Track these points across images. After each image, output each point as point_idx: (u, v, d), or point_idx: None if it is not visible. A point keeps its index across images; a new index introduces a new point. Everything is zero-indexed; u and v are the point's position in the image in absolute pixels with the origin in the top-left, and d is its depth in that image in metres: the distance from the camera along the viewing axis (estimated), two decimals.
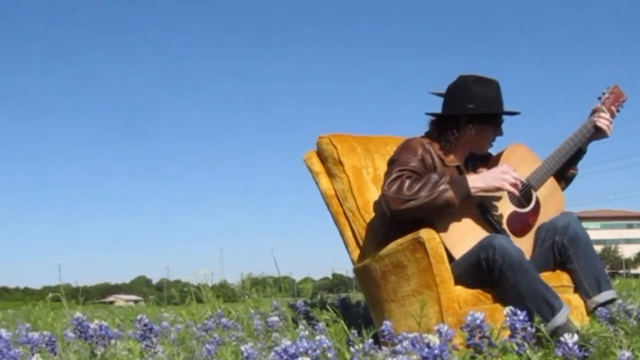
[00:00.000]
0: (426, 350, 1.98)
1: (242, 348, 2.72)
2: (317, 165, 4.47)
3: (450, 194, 3.68)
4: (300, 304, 5.04)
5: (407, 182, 3.74)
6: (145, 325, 3.05)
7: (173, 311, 6.33)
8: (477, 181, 3.77)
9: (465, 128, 4.01)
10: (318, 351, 1.99)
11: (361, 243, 4.29)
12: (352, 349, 2.56)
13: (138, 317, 3.03)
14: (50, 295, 6.10)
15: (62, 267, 5.53)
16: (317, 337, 2.12)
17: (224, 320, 4.56)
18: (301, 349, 1.98)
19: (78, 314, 3.03)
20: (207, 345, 3.50)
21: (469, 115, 3.98)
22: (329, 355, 2.10)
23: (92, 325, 3.05)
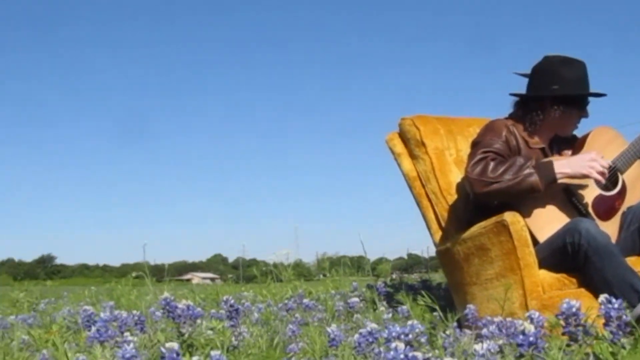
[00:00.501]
0: (521, 337, 1.96)
1: (329, 330, 2.73)
2: (399, 147, 4.46)
3: (535, 178, 3.63)
4: (380, 285, 5.04)
5: (492, 164, 3.70)
6: (231, 306, 3.08)
7: (253, 290, 6.39)
8: (564, 167, 3.70)
9: (550, 110, 3.94)
10: (411, 336, 1.98)
11: (443, 225, 4.27)
12: (442, 335, 2.55)
13: (224, 298, 3.08)
14: (134, 273, 6.22)
15: (144, 245, 5.61)
16: (409, 322, 2.11)
17: (305, 300, 4.59)
18: (394, 334, 1.98)
19: (166, 294, 3.08)
20: (291, 326, 3.53)
21: (554, 97, 3.91)
22: (422, 340, 2.09)
23: (179, 306, 3.10)
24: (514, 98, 4.14)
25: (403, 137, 4.45)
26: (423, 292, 3.88)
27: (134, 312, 3.25)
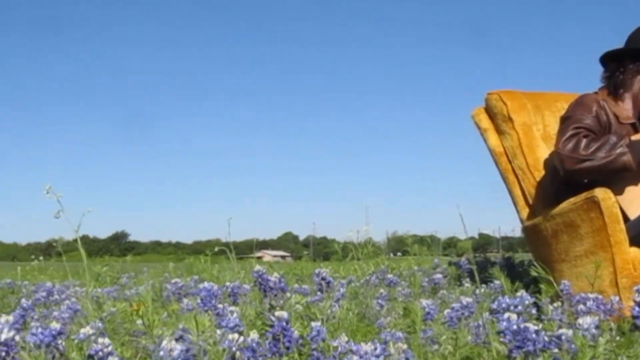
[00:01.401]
0: (636, 309, 1.94)
1: (424, 303, 2.74)
2: (486, 122, 4.42)
3: (628, 157, 3.57)
4: (464, 262, 5.02)
5: (584, 141, 3.65)
6: (323, 279, 3.10)
7: (332, 267, 6.42)
8: None
9: (631, 71, 3.91)
10: (520, 307, 1.98)
11: (530, 201, 4.22)
12: (551, 307, 2.54)
13: (316, 271, 3.09)
14: (216, 248, 6.30)
15: (229, 220, 5.66)
16: (519, 293, 2.10)
17: (389, 276, 4.60)
18: (504, 305, 1.98)
19: (258, 267, 3.11)
20: (379, 301, 3.55)
21: (632, 54, 3.91)
22: (532, 312, 2.08)
23: (271, 278, 3.13)
24: (603, 75, 4.08)
25: (489, 112, 4.41)
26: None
27: (227, 284, 3.29)
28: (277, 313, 1.97)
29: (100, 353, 1.91)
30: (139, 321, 3.69)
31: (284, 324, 1.95)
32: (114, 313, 4.10)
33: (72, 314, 3.83)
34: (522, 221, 4.27)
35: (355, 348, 1.75)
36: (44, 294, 5.21)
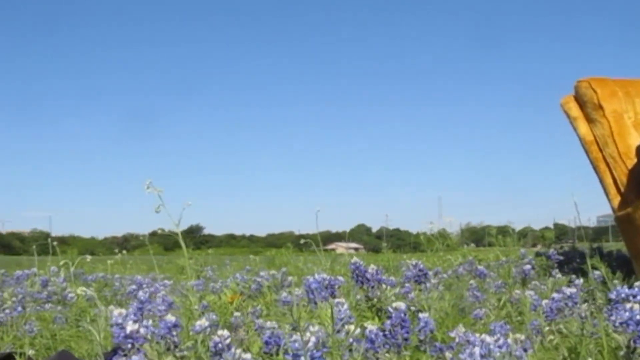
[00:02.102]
0: None
1: (528, 293, 2.73)
2: (575, 110, 4.37)
3: None
4: (552, 252, 4.97)
5: None
6: (420, 270, 3.11)
7: (415, 258, 6.42)
8: None
9: None
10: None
11: (622, 190, 4.16)
12: None
13: (413, 262, 3.10)
14: (302, 241, 6.34)
15: (317, 212, 5.71)
16: (637, 284, 2.08)
17: (480, 267, 4.58)
18: (623, 295, 1.96)
19: (355, 259, 3.14)
20: (475, 292, 3.54)
21: None
22: None
23: (369, 270, 3.15)
24: None
25: (579, 100, 4.36)
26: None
27: (324, 276, 3.31)
28: (394, 304, 1.99)
29: (220, 345, 1.95)
30: (237, 312, 3.76)
31: (402, 315, 1.96)
32: (206, 307, 4.19)
33: (167, 306, 3.92)
34: (613, 210, 4.22)
35: (473, 339, 1.76)
36: (134, 286, 5.32)
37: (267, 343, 2.42)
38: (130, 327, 2.07)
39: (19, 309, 4.52)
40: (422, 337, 2.20)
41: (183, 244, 3.65)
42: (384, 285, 3.31)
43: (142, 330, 2.06)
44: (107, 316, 2.44)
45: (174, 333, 2.22)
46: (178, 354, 2.13)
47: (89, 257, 5.61)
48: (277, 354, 2.32)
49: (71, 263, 5.21)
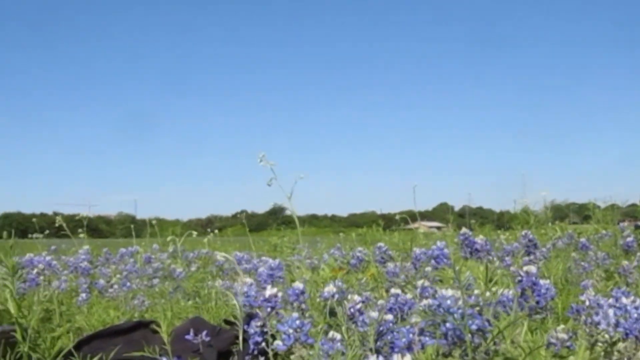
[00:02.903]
0: None
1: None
2: None
3: None
4: None
5: None
6: (530, 240, 3.14)
7: (507, 233, 6.42)
8: None
9: None
10: None
11: None
12: None
13: (523, 233, 3.13)
14: (398, 216, 6.39)
15: (414, 187, 5.76)
16: None
17: (582, 240, 4.57)
18: None
19: (464, 230, 3.18)
20: (583, 263, 3.54)
21: None
22: None
23: (478, 241, 3.19)
24: None
25: None
26: None
27: (433, 247, 3.36)
28: (525, 268, 2.02)
29: (352, 309, 2.02)
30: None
31: (534, 278, 2.00)
32: (308, 281, 4.28)
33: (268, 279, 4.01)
34: None
35: (604, 302, 1.79)
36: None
37: (390, 310, 2.48)
38: (269, 291, 2.16)
39: (127, 284, 4.69)
40: (542, 304, 2.23)
41: (296, 219, 3.72)
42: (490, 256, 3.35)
43: (280, 294, 2.15)
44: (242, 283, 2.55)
45: (302, 299, 2.30)
46: (308, 319, 2.21)
47: (195, 234, 5.76)
48: (402, 320, 2.37)
49: (178, 240, 5.37)
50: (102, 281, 4.96)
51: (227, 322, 2.62)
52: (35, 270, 4.61)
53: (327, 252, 6.97)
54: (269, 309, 2.14)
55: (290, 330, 1.88)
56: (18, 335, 2.10)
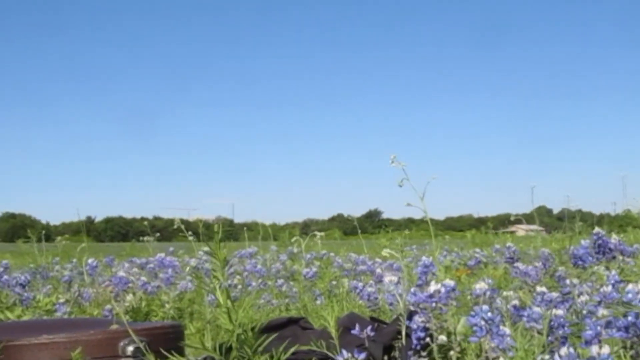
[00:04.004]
0: None
1: None
2: None
3: None
4: None
5: None
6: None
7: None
8: None
9: None
10: None
11: None
12: None
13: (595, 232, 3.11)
14: (512, 217, 6.36)
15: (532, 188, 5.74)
16: None
17: None
18: None
19: (598, 229, 3.17)
20: None
21: None
22: None
23: (612, 240, 3.17)
24: None
25: None
26: None
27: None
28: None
29: (509, 306, 2.05)
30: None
31: None
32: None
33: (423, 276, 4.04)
34: None
35: None
36: (363, 266, 5.56)
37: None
38: (433, 287, 2.21)
39: (253, 284, 4.82)
40: None
41: (429, 220, 3.74)
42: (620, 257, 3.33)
43: (442, 290, 2.19)
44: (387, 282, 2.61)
45: (452, 296, 2.34)
46: None
47: (319, 234, 5.86)
48: None
49: (302, 241, 5.47)
50: (224, 282, 5.09)
51: (372, 319, 2.69)
52: (170, 270, 4.77)
53: (439, 253, 6.99)
54: (433, 305, 2.19)
55: (482, 322, 1.92)
56: (225, 322, 2.15)
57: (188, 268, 5.23)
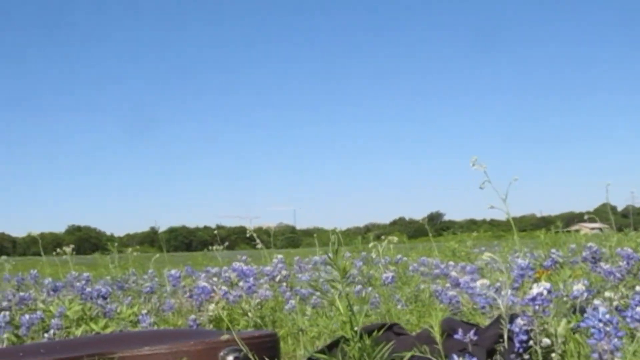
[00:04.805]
0: None
1: None
2: None
3: None
4: None
5: None
6: None
7: None
8: None
9: None
10: None
11: None
12: None
13: None
14: (586, 216, 6.29)
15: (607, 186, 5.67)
16: None
17: None
18: None
19: None
20: None
21: None
22: None
23: None
24: None
25: None
26: None
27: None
28: None
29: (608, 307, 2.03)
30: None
31: None
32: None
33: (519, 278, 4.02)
34: None
35: None
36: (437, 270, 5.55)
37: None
38: (535, 290, 2.21)
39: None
40: None
41: (512, 223, 3.73)
42: None
43: (544, 292, 2.19)
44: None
45: (548, 298, 2.33)
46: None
47: (395, 239, 5.87)
48: None
49: (380, 247, 5.49)
50: (302, 290, 5.12)
51: (466, 323, 2.69)
52: (252, 279, 4.81)
53: (510, 254, 6.94)
54: (536, 307, 2.19)
55: (601, 324, 1.91)
56: (345, 331, 2.16)
57: (278, 277, 5.24)
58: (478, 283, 2.75)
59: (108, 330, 4.48)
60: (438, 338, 2.16)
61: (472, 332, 2.30)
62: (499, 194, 3.67)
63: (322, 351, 2.40)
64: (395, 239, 5.96)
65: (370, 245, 5.59)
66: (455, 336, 2.31)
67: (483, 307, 2.95)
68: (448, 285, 4.82)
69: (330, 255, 2.13)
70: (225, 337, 2.40)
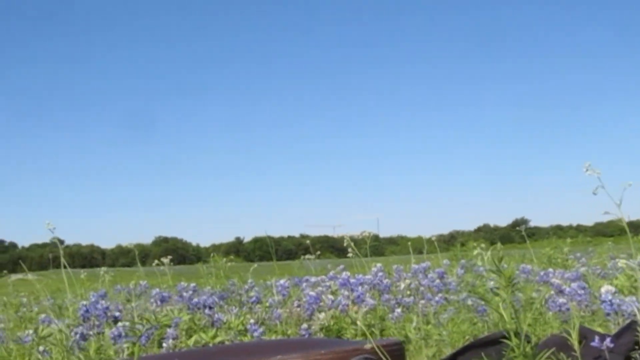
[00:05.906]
0: None
1: None
2: None
3: None
4: None
5: None
6: None
7: None
8: None
9: None
10: None
11: None
12: None
13: None
14: None
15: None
16: None
17: None
18: None
19: None
20: None
21: None
22: None
23: None
24: None
25: None
26: None
27: None
28: None
29: None
30: None
31: None
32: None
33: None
34: None
35: None
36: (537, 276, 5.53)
37: None
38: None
39: (437, 298, 4.86)
40: None
41: (626, 226, 3.69)
42: None
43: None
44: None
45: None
46: None
47: (499, 245, 5.87)
48: None
49: (484, 253, 5.50)
50: (405, 298, 5.17)
51: (590, 330, 2.69)
52: (360, 288, 4.89)
53: (607, 261, 6.87)
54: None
55: None
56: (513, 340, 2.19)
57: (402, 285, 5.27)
58: (603, 289, 2.75)
59: (217, 340, 4.59)
60: (576, 345, 2.18)
61: (608, 339, 2.31)
62: (612, 200, 3.62)
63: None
64: (500, 245, 5.94)
65: (475, 252, 5.59)
66: (592, 343, 2.32)
67: (608, 314, 2.94)
68: (552, 292, 4.80)
69: (491, 266, 2.16)
70: (368, 345, 2.46)
